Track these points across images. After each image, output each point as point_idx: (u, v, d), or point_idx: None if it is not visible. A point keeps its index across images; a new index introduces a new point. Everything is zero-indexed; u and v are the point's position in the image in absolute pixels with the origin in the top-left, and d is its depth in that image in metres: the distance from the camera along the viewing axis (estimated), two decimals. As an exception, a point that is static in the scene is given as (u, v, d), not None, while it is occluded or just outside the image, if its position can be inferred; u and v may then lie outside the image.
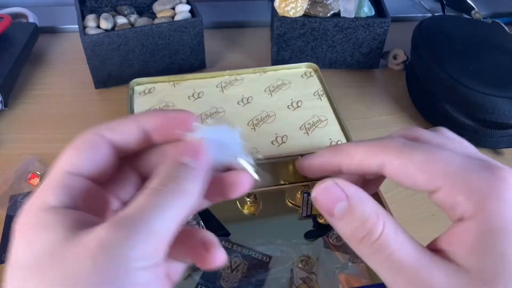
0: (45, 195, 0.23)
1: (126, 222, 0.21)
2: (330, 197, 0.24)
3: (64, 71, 0.67)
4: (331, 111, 0.55)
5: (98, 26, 0.62)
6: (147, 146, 0.27)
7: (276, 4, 0.62)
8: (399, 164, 0.24)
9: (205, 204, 0.27)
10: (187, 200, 0.23)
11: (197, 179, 0.24)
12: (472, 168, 0.23)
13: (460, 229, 0.23)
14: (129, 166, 0.27)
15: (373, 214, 0.23)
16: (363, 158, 0.26)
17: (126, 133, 0.25)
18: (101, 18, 0.62)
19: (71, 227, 0.21)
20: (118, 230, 0.20)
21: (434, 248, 0.23)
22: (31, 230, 0.22)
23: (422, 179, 0.24)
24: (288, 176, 0.48)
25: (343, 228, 0.24)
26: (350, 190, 0.24)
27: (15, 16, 0.73)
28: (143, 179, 0.27)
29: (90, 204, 0.24)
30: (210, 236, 0.26)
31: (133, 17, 0.65)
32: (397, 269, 0.22)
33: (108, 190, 0.26)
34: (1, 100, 0.58)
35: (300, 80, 0.60)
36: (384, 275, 0.23)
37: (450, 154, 0.24)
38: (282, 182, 0.48)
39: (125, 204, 0.26)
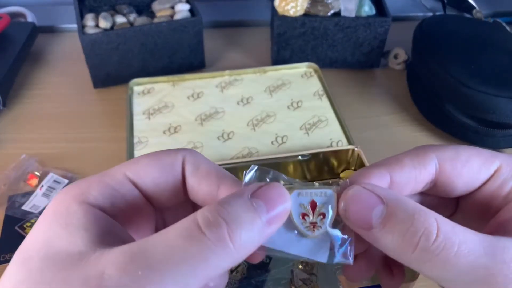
0: (91, 187, 0.20)
1: (140, 260, 0.17)
2: (362, 205, 0.20)
3: (63, 71, 0.67)
4: (331, 111, 0.55)
5: (97, 26, 0.62)
6: None
7: (276, 3, 0.62)
8: (451, 154, 0.23)
9: None
10: (235, 255, 0.18)
11: (262, 233, 0.19)
12: None
13: None
14: None
15: (418, 210, 0.19)
16: (413, 161, 0.23)
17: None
18: (100, 17, 0.62)
19: (93, 238, 0.19)
20: (128, 267, 0.17)
21: (489, 232, 0.20)
22: (54, 223, 0.19)
23: (479, 159, 0.23)
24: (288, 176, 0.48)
25: (389, 238, 0.19)
26: (383, 191, 0.20)
27: (13, 15, 0.72)
28: None
29: (133, 219, 0.22)
30: None
31: (132, 16, 0.65)
32: (471, 265, 0.18)
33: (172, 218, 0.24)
34: (0, 100, 0.58)
35: (300, 80, 0.59)
36: (454, 279, 0.19)
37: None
38: (282, 183, 0.48)
39: None
